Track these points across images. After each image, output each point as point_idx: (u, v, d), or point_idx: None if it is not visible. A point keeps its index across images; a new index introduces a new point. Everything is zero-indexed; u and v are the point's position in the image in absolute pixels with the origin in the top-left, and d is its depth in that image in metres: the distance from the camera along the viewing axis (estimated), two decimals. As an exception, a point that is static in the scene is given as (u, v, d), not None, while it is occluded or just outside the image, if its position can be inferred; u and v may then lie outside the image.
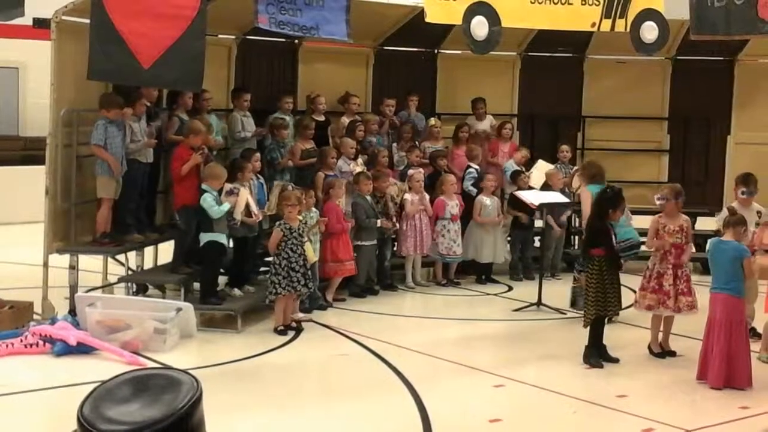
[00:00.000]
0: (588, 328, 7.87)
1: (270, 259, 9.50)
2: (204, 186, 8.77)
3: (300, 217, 8.83)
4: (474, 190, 11.48)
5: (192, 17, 8.45)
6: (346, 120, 11.56)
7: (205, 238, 8.77)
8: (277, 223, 8.83)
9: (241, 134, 10.45)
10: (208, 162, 9.21)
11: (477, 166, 11.71)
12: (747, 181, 8.65)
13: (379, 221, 10.32)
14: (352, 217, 10.20)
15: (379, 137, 11.68)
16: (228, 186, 8.85)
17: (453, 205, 11.11)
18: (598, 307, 7.78)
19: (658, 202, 8.16)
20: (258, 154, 9.85)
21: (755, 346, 7.72)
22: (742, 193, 8.47)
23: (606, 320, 8.02)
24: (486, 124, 12.66)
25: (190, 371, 1.98)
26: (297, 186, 9.71)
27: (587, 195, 9.19)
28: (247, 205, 8.97)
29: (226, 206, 8.73)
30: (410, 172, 11.07)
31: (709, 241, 7.83)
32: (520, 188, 11.33)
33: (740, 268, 7.21)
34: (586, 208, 9.06)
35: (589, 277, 7.89)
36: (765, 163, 11.84)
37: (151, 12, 8.44)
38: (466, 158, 11.80)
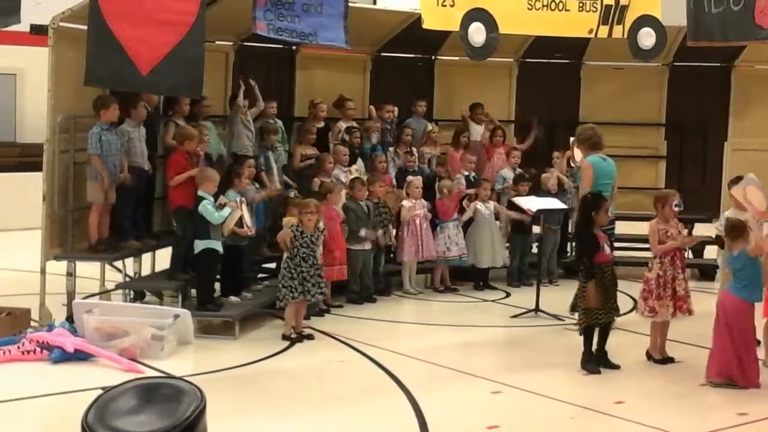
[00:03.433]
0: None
1: (270, 265, 9.49)
2: (200, 192, 8.74)
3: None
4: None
5: (191, 23, 8.42)
6: (342, 125, 11.54)
7: (200, 245, 8.73)
8: (291, 224, 8.79)
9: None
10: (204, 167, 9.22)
11: (467, 173, 11.70)
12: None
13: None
14: (344, 223, 10.14)
15: (379, 146, 11.63)
16: (224, 200, 8.82)
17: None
18: (588, 316, 7.77)
19: (676, 209, 8.14)
20: (251, 161, 9.85)
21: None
22: None
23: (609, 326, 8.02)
24: (479, 130, 12.64)
25: (191, 380, 1.97)
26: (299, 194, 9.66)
27: (588, 168, 8.86)
28: (241, 218, 8.95)
29: (226, 211, 8.69)
30: (409, 178, 11.06)
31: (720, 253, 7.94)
32: (519, 194, 11.31)
33: (756, 271, 7.25)
34: (587, 182, 8.77)
35: (582, 284, 7.89)
36: (762, 169, 11.79)
37: (149, 18, 8.40)
38: (461, 164, 11.77)
